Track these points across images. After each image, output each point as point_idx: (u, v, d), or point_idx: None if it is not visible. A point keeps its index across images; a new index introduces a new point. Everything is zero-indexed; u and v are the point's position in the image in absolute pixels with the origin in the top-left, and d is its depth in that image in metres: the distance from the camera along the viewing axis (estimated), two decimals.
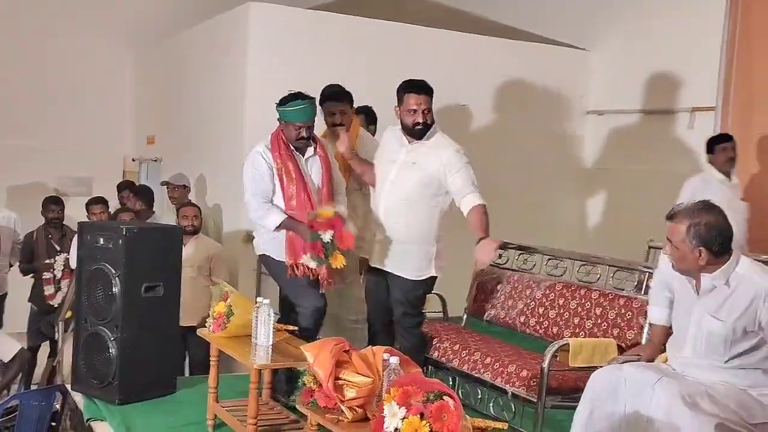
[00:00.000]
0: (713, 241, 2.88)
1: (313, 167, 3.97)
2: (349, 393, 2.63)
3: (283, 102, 3.87)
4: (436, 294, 4.53)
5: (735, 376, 2.93)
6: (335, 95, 4.30)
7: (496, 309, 4.43)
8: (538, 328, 4.13)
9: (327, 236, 3.69)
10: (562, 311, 4.03)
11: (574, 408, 3.09)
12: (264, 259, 4.13)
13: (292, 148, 3.92)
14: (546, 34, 6.73)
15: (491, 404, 3.76)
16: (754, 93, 5.14)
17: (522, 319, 4.23)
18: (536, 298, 4.18)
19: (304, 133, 3.86)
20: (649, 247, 5.11)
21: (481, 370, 3.75)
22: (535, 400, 3.41)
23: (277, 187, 3.90)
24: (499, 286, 4.46)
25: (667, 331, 3.18)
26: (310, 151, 3.96)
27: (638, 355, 3.17)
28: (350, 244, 3.77)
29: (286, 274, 3.88)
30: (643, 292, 3.74)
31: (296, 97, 3.85)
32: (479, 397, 3.83)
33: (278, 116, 3.90)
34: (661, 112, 5.93)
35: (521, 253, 4.47)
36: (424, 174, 3.89)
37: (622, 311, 3.75)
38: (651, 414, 2.82)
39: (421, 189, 3.89)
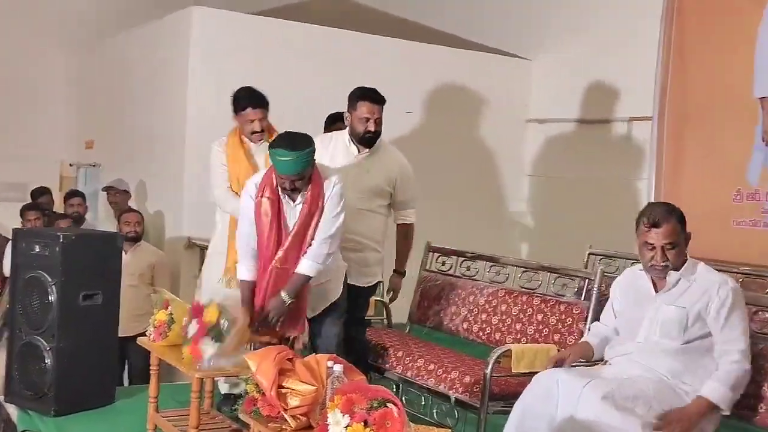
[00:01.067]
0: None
1: (295, 212, 3.54)
2: (293, 401, 2.62)
3: (271, 144, 3.48)
4: (380, 300, 4.55)
5: (682, 363, 3.06)
6: (257, 99, 3.94)
7: (439, 316, 4.45)
8: (480, 334, 4.17)
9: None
10: (504, 317, 4.08)
11: None
12: None
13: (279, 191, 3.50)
14: (489, 43, 6.82)
15: (435, 410, 3.78)
16: (687, 104, 5.29)
17: (465, 325, 4.26)
18: (479, 305, 4.22)
19: (287, 186, 3.42)
20: (589, 254, 5.21)
21: (425, 377, 3.77)
22: (478, 406, 3.45)
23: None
24: (442, 293, 4.49)
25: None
26: (299, 198, 3.51)
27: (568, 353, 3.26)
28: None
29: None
30: (583, 298, 3.82)
31: (284, 143, 3.36)
32: (423, 403, 3.85)
33: None
34: (599, 122, 6.06)
35: (464, 260, 4.51)
36: (378, 182, 3.92)
37: (563, 317, 3.82)
38: (580, 415, 2.90)
39: (374, 197, 3.93)
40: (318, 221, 3.49)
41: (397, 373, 3.95)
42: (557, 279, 4.01)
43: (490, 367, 3.42)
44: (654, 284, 3.24)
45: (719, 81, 5.09)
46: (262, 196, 3.51)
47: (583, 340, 3.33)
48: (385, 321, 4.68)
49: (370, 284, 4.06)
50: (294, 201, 3.52)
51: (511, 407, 3.25)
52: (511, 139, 6.68)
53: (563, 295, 3.92)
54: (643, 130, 5.61)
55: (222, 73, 5.30)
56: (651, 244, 3.12)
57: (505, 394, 3.48)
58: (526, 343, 3.85)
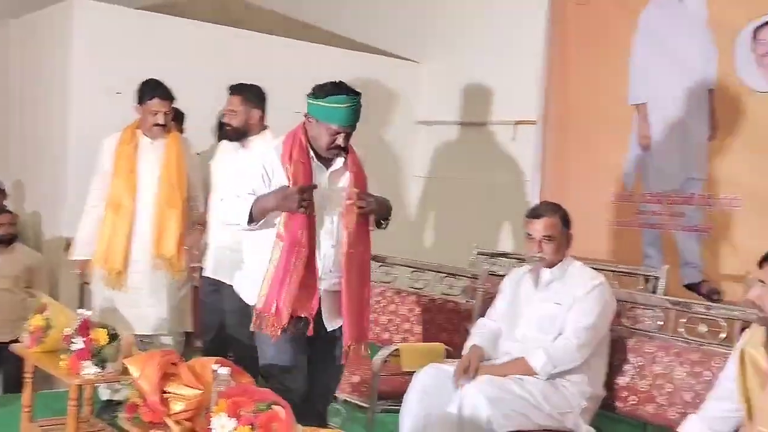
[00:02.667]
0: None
1: (336, 185, 3.03)
2: (177, 406, 2.56)
3: (318, 93, 2.91)
4: None
5: None
6: (165, 92, 3.92)
7: None
8: (370, 334, 4.19)
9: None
10: (393, 317, 4.13)
11: None
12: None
13: (311, 154, 2.98)
14: (380, 46, 6.87)
15: None
16: (569, 109, 5.50)
17: None
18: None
19: (340, 141, 2.93)
20: (476, 254, 5.33)
21: None
22: (367, 405, 3.47)
23: None
24: None
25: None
26: (338, 162, 3.02)
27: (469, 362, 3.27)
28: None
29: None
30: (469, 298, 3.91)
31: (339, 89, 2.90)
32: None
33: (306, 110, 2.95)
34: (486, 124, 6.21)
35: None
36: None
37: (450, 316, 3.91)
38: (462, 411, 3.01)
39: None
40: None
41: None
42: (444, 279, 4.09)
43: (378, 366, 3.45)
44: (536, 282, 3.36)
45: (598, 88, 5.31)
46: (291, 161, 2.93)
47: (472, 344, 3.36)
48: None
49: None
50: (329, 167, 3.01)
51: (399, 405, 3.30)
52: (400, 141, 6.75)
53: (450, 295, 4.00)
54: (528, 134, 5.78)
55: (105, 69, 5.12)
56: (531, 235, 3.28)
57: (394, 392, 3.51)
58: (414, 342, 3.91)
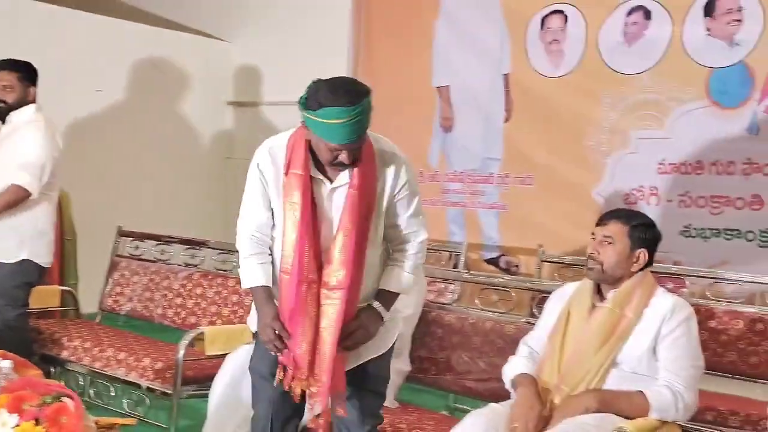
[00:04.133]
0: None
1: (334, 202, 2.38)
2: None
3: (309, 103, 2.28)
4: (66, 289, 4.29)
5: None
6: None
7: (133, 302, 4.31)
8: (176, 319, 4.11)
9: None
10: (199, 300, 4.05)
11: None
12: None
13: (312, 165, 2.36)
14: (190, 24, 6.66)
15: (125, 400, 3.63)
16: (376, 91, 5.53)
17: (160, 311, 4.17)
18: (174, 289, 4.16)
19: (344, 158, 2.27)
20: None
21: (115, 366, 3.61)
22: (171, 392, 3.38)
23: (277, 216, 2.44)
24: (136, 278, 4.34)
25: None
26: (342, 177, 2.35)
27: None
28: None
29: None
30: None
31: (335, 97, 2.23)
32: (112, 394, 3.68)
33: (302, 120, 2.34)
34: (296, 105, 6.18)
35: (158, 244, 4.40)
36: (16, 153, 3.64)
37: None
38: None
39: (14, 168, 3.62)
40: (373, 212, 2.36)
41: (85, 366, 3.74)
42: None
43: (182, 351, 3.36)
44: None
45: (403, 71, 5.46)
46: (289, 171, 2.38)
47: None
48: (74, 311, 4.41)
49: (8, 261, 3.70)
50: (332, 180, 2.38)
51: (207, 390, 3.25)
52: (211, 122, 6.60)
53: None
54: None
55: None
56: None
57: (200, 377, 3.44)
58: (222, 324, 3.85)
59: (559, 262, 4.33)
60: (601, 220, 2.70)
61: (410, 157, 5.40)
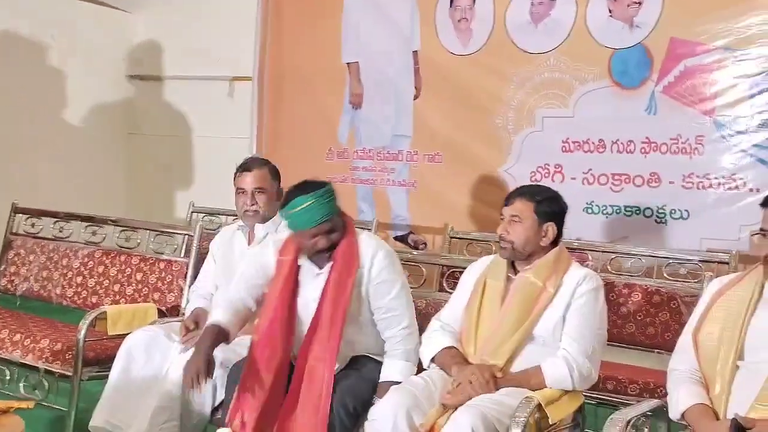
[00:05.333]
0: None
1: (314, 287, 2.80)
2: None
3: (282, 206, 2.78)
4: None
5: None
6: None
7: (29, 282, 4.14)
8: (76, 299, 3.97)
9: None
10: (101, 279, 3.92)
11: None
12: None
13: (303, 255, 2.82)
14: None
15: (22, 384, 3.48)
16: (285, 67, 5.52)
17: (59, 290, 4.03)
18: (74, 268, 4.02)
19: (321, 244, 2.73)
20: (192, 212, 5.21)
21: (10, 349, 3.44)
22: (71, 374, 3.26)
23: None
24: (32, 257, 4.17)
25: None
26: (327, 266, 2.78)
27: None
28: None
29: None
30: (183, 255, 3.81)
31: (296, 192, 2.72)
32: (8, 378, 3.52)
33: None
34: (203, 79, 6.05)
35: (57, 221, 4.22)
36: None
37: (163, 275, 3.79)
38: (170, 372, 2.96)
39: None
40: (350, 295, 2.71)
41: None
42: (157, 237, 3.95)
43: (83, 331, 3.25)
44: (249, 239, 3.35)
45: (313, 47, 5.38)
46: (283, 255, 2.83)
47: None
48: None
49: None
50: (321, 267, 2.79)
51: (108, 371, 3.16)
52: (112, 96, 6.37)
53: (162, 253, 3.88)
54: (245, 90, 5.73)
55: None
56: (243, 188, 3.25)
57: (102, 358, 3.33)
58: (125, 303, 3.74)
59: (467, 239, 4.39)
60: (508, 200, 2.76)
61: (319, 134, 5.46)
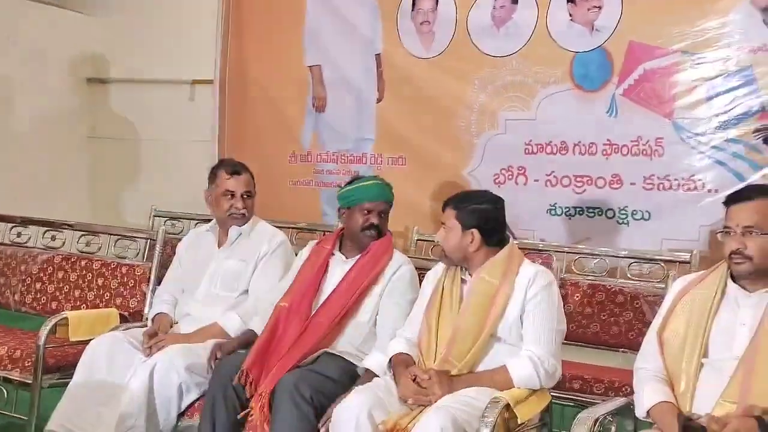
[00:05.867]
0: None
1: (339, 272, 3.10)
2: None
3: (344, 187, 3.18)
4: None
5: None
6: None
7: None
8: (35, 305, 3.91)
9: None
10: (61, 285, 3.86)
11: None
12: None
13: (336, 246, 3.16)
14: None
15: None
16: (247, 71, 5.48)
17: (17, 297, 3.96)
18: (32, 273, 3.95)
19: (374, 219, 3.06)
20: (153, 216, 5.15)
21: None
22: (31, 382, 3.19)
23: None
24: None
25: None
26: (355, 258, 3.09)
27: None
28: None
29: None
30: (145, 259, 3.76)
31: (359, 176, 3.36)
32: None
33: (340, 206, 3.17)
34: (163, 83, 5.98)
35: (14, 226, 4.14)
36: None
37: (125, 279, 3.74)
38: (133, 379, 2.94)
39: None
40: (370, 290, 3.00)
41: None
42: (118, 241, 3.90)
43: (43, 338, 3.19)
44: (219, 241, 3.34)
45: (274, 50, 5.35)
46: (322, 245, 3.18)
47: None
48: None
49: None
50: (350, 257, 3.09)
51: (70, 378, 3.10)
52: (70, 100, 6.26)
53: (125, 257, 3.82)
54: (206, 93, 5.68)
55: None
56: (232, 191, 3.24)
57: (63, 364, 3.28)
58: (86, 309, 3.68)
59: (431, 241, 4.40)
60: (442, 209, 2.81)
61: (283, 137, 5.42)
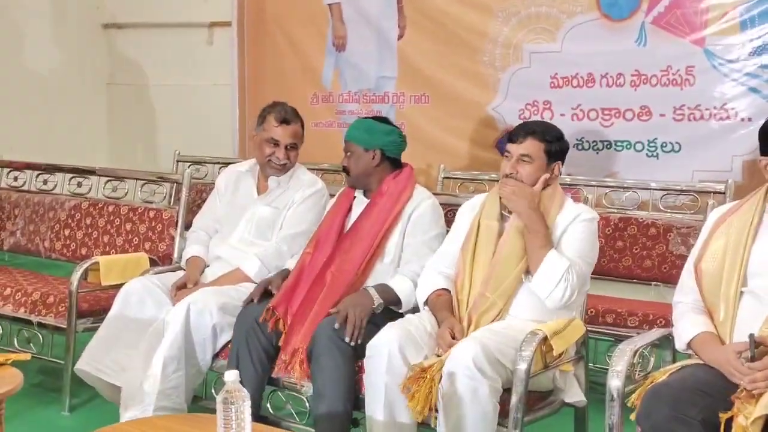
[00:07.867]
0: None
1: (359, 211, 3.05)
2: None
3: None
4: None
5: None
6: None
7: (16, 237, 4.07)
8: (65, 251, 3.91)
9: None
10: (90, 231, 3.86)
11: None
12: None
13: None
14: None
15: (16, 338, 3.44)
16: (265, 11, 5.39)
17: (47, 244, 3.96)
18: (61, 220, 3.94)
19: (344, 162, 3.07)
20: (177, 161, 5.13)
21: (1, 303, 3.40)
22: (65, 327, 3.22)
23: None
24: (17, 211, 4.10)
25: None
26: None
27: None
28: None
29: None
30: (172, 204, 3.75)
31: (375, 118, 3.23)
32: (1, 332, 3.48)
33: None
34: (180, 26, 5.90)
35: (40, 173, 4.13)
36: None
37: (153, 224, 3.72)
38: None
39: None
40: (392, 230, 2.92)
41: None
42: (144, 186, 3.88)
43: (75, 283, 3.20)
44: (258, 186, 3.29)
45: None
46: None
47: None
48: None
49: None
50: (368, 197, 3.04)
51: (102, 323, 3.12)
52: (88, 46, 6.21)
53: (152, 202, 3.81)
54: (224, 36, 5.60)
55: None
56: (276, 140, 3.16)
57: (95, 309, 3.31)
58: (116, 254, 3.69)
59: (460, 178, 4.36)
60: (516, 138, 2.69)
61: (303, 77, 5.34)
